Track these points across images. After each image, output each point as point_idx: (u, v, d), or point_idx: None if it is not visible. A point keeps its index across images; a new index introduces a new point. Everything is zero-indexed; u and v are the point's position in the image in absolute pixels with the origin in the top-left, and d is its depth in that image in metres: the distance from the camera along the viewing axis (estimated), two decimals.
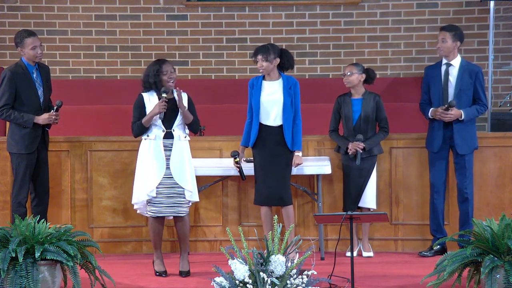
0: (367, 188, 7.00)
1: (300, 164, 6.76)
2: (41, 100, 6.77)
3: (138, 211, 6.67)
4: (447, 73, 6.86)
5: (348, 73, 6.99)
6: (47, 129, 6.85)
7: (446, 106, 6.77)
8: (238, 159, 6.75)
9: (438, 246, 6.92)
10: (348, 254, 6.84)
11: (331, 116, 7.12)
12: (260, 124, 6.73)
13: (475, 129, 7.05)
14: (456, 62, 6.88)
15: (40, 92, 6.78)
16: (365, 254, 7.09)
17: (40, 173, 6.84)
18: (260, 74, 6.82)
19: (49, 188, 6.96)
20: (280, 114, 6.67)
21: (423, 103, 7.01)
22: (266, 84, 6.72)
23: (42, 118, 6.72)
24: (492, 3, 9.07)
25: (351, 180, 6.99)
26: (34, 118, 6.69)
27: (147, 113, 6.45)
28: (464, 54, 9.58)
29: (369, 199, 7.02)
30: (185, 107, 6.47)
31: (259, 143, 6.72)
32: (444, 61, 6.90)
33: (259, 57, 6.66)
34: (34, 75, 6.78)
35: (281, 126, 6.68)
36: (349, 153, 6.91)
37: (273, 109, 6.68)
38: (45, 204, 6.88)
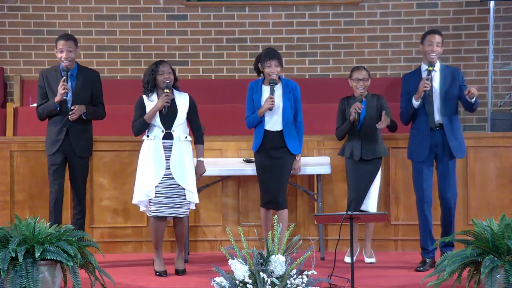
0: (370, 191, 6.85)
1: (298, 168, 6.74)
2: (69, 105, 6.68)
3: (148, 212, 6.67)
4: (430, 78, 6.57)
5: (364, 79, 6.83)
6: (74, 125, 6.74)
7: (428, 74, 6.50)
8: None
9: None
10: (346, 260, 6.80)
11: (336, 117, 6.94)
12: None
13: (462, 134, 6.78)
14: (437, 66, 6.65)
15: (68, 96, 6.68)
16: (367, 260, 6.94)
17: (74, 180, 6.82)
18: (259, 78, 6.79)
19: (83, 196, 6.88)
20: (280, 119, 6.66)
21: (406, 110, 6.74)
22: (266, 89, 6.69)
23: (57, 96, 6.63)
24: (492, 3, 9.07)
25: (356, 182, 6.84)
26: (53, 99, 6.64)
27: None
28: (464, 54, 9.62)
29: (370, 202, 6.86)
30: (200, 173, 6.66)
31: (262, 149, 6.70)
32: (424, 67, 6.62)
33: (274, 62, 6.60)
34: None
35: (281, 131, 6.66)
36: (350, 119, 6.72)
37: (274, 114, 6.65)
38: (82, 213, 6.85)
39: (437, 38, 6.60)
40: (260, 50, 9.49)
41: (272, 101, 6.56)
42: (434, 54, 6.58)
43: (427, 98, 6.58)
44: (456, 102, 6.64)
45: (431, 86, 6.57)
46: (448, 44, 9.59)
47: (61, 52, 6.68)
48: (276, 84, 6.62)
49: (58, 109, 6.67)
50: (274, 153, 6.66)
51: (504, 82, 9.65)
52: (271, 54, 6.64)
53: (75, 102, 6.68)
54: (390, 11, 9.67)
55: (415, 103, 6.57)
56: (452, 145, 6.58)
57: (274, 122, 6.67)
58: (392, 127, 6.86)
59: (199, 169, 6.59)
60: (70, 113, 6.64)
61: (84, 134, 6.78)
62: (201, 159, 6.62)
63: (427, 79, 6.49)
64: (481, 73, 9.59)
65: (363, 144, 6.82)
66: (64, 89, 6.58)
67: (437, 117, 6.59)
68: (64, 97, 6.63)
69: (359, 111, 6.69)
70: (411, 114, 6.66)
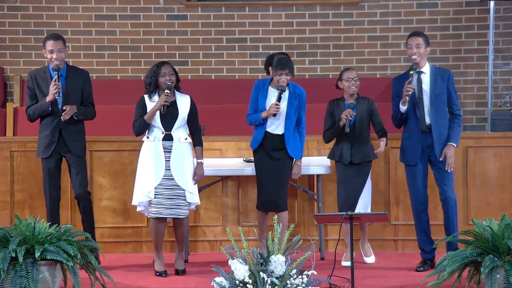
0: (362, 195, 6.74)
1: (298, 173, 6.69)
2: (59, 105, 6.63)
3: (146, 214, 6.66)
4: (419, 81, 6.55)
5: (355, 78, 6.74)
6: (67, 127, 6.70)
7: (409, 78, 6.45)
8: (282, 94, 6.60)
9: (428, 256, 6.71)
10: (344, 264, 6.73)
11: (324, 119, 6.88)
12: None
13: None
14: (426, 68, 6.59)
15: (59, 96, 6.61)
16: (366, 260, 6.89)
17: (72, 180, 6.78)
18: (268, 77, 6.73)
19: (85, 196, 6.79)
20: (283, 123, 6.63)
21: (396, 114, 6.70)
22: (272, 92, 6.65)
23: (49, 95, 6.58)
24: (492, 3, 9.07)
25: (346, 186, 6.74)
26: (45, 100, 6.60)
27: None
28: (464, 54, 9.62)
29: (363, 206, 6.74)
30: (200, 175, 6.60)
31: (261, 149, 6.66)
32: (410, 71, 6.56)
33: (286, 71, 6.54)
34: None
35: (283, 134, 6.62)
36: (340, 124, 6.65)
37: (276, 117, 6.62)
38: (86, 212, 6.78)
39: (416, 40, 6.54)
40: (260, 50, 9.60)
41: (277, 108, 6.53)
42: (415, 56, 6.52)
43: (417, 101, 6.55)
44: (445, 104, 6.59)
45: (421, 89, 6.55)
46: (448, 44, 9.61)
47: (51, 52, 6.62)
48: (284, 91, 6.59)
49: (50, 109, 6.64)
50: (273, 154, 6.63)
51: (504, 82, 9.65)
52: (283, 63, 6.57)
53: (66, 102, 6.63)
54: (390, 11, 9.67)
55: (402, 108, 6.54)
56: (436, 148, 6.54)
57: (276, 126, 6.63)
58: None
59: (198, 170, 6.58)
60: (62, 113, 6.59)
61: (78, 134, 6.74)
62: (201, 161, 6.62)
63: (409, 83, 6.46)
64: (481, 73, 9.59)
65: (353, 148, 6.72)
66: (56, 89, 6.54)
67: (428, 119, 6.56)
68: (56, 97, 6.59)
69: (350, 118, 6.63)
70: (401, 118, 6.62)
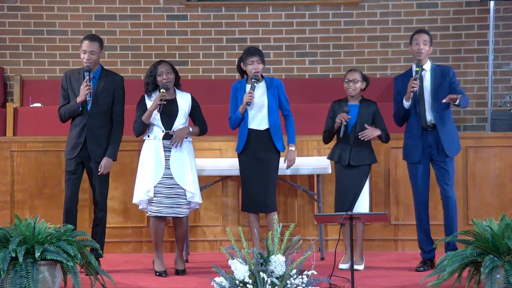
0: (359, 198, 6.64)
1: (292, 160, 6.59)
2: (88, 107, 6.58)
3: (147, 212, 6.64)
4: (421, 78, 6.55)
5: (353, 80, 6.70)
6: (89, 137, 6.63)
7: (415, 74, 6.47)
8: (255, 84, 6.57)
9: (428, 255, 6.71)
10: (341, 266, 6.63)
11: (326, 119, 6.82)
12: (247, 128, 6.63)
13: (457, 131, 6.72)
14: (427, 66, 6.60)
15: (88, 98, 6.56)
16: (355, 266, 6.58)
17: (92, 186, 6.73)
18: (242, 78, 6.72)
19: (102, 206, 6.71)
20: (266, 117, 6.60)
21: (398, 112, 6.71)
22: (249, 87, 6.61)
23: (79, 96, 6.54)
24: (492, 3, 9.07)
25: (343, 188, 6.66)
26: (75, 100, 6.55)
27: None
28: (464, 54, 9.62)
29: (361, 210, 6.62)
30: (185, 136, 6.52)
31: (247, 150, 6.59)
32: (414, 67, 6.55)
33: (256, 58, 6.53)
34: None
35: (267, 129, 6.59)
36: (335, 126, 6.62)
37: (258, 112, 6.57)
38: (99, 221, 6.70)
39: (423, 37, 6.57)
40: None
41: (251, 95, 6.48)
42: (421, 53, 6.54)
43: (418, 98, 6.55)
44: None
45: (422, 86, 6.55)
46: (448, 44, 9.60)
47: (84, 53, 6.57)
48: (258, 80, 6.57)
49: (80, 109, 6.58)
50: (259, 154, 6.55)
51: (504, 82, 9.65)
52: (253, 51, 6.58)
53: (94, 105, 6.58)
54: (390, 11, 9.67)
55: (406, 103, 6.54)
56: (444, 143, 6.53)
57: (259, 121, 6.58)
58: (383, 138, 6.72)
59: (181, 131, 6.50)
60: (99, 170, 6.55)
61: (102, 139, 6.64)
62: (191, 129, 6.57)
63: (415, 79, 6.46)
64: (481, 73, 9.59)
65: (352, 150, 6.64)
66: (88, 89, 6.48)
67: (429, 117, 6.55)
68: (86, 98, 6.55)
69: (345, 123, 6.57)
70: (403, 115, 6.62)
